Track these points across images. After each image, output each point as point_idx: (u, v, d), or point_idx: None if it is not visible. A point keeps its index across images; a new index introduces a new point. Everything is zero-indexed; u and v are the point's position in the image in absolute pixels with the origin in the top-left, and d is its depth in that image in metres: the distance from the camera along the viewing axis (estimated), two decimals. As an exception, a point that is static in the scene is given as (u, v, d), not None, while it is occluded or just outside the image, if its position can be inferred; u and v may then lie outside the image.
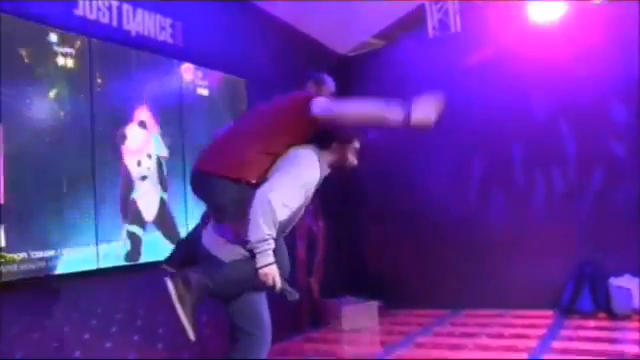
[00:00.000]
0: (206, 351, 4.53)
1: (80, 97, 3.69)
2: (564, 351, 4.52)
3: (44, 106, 3.49)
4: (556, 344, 4.74)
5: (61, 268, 3.49)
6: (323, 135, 2.97)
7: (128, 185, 4.07)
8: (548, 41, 6.09)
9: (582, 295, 5.75)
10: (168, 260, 3.04)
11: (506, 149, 6.37)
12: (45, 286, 3.48)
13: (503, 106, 6.33)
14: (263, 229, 2.64)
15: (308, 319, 5.75)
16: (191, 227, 3.15)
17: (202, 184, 2.89)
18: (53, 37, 3.54)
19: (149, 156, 4.28)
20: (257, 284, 2.74)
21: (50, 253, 3.43)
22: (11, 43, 3.31)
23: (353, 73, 7.03)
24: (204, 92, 4.80)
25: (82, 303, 3.71)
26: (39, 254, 3.37)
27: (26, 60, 3.39)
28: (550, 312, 5.84)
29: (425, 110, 2.70)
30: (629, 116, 5.79)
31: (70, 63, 3.62)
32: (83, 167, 3.69)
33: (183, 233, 4.35)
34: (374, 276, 6.67)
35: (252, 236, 2.66)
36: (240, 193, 2.75)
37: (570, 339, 4.89)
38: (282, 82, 4.32)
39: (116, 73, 3.97)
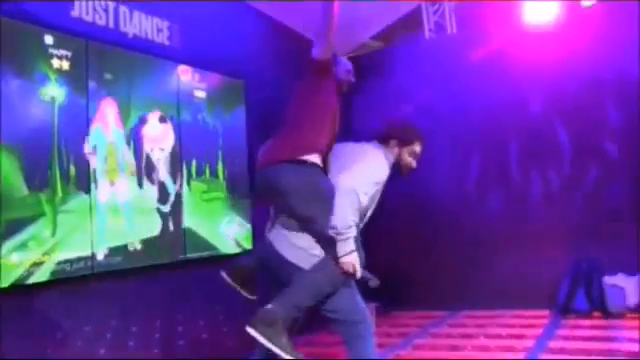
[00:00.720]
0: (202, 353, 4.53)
1: (76, 99, 3.69)
2: (560, 350, 4.52)
3: (38, 107, 3.48)
4: (552, 344, 4.74)
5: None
6: (383, 133, 3.12)
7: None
8: (544, 42, 6.12)
9: (577, 294, 5.77)
10: (231, 269, 3.11)
11: (503, 149, 6.39)
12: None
13: (499, 106, 6.36)
14: (349, 216, 2.76)
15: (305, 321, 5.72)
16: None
17: (259, 182, 2.98)
18: (49, 39, 3.54)
19: (162, 149, 4.35)
20: (341, 280, 2.84)
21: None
22: (6, 44, 3.30)
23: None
24: (201, 94, 4.80)
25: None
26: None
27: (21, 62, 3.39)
28: (547, 311, 5.85)
29: None
30: (624, 115, 5.83)
31: (66, 65, 3.62)
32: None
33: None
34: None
35: (339, 223, 2.75)
36: (288, 172, 2.81)
37: (566, 338, 4.89)
38: (280, 84, 4.32)
39: (113, 75, 3.97)
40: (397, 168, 3.13)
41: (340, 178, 2.84)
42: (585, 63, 5.94)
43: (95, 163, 3.79)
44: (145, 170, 4.18)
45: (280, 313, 2.69)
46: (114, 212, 3.90)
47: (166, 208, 4.36)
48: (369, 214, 3.07)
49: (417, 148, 3.16)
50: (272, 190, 2.90)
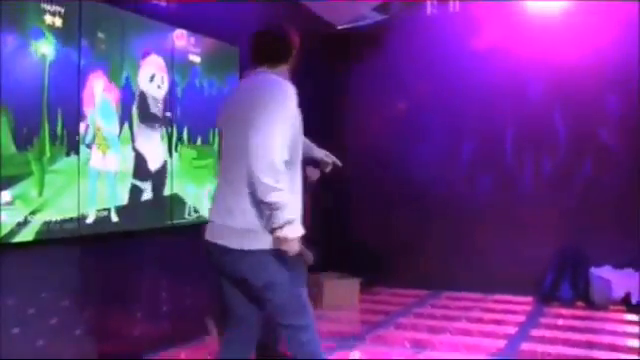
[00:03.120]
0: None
1: (68, 57, 3.58)
2: (541, 339, 4.55)
3: (29, 63, 3.36)
4: (534, 332, 4.78)
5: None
6: (282, 49, 2.69)
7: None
8: (547, 27, 6.06)
9: (563, 283, 5.79)
10: None
11: (498, 132, 6.34)
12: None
13: (498, 89, 6.30)
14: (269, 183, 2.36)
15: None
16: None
17: None
18: (41, -6, 3.41)
19: (162, 78, 4.33)
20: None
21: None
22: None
23: (350, 47, 6.92)
24: (196, 59, 4.69)
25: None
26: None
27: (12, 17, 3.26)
28: (530, 298, 5.88)
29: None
30: (622, 106, 5.79)
31: (58, 22, 3.49)
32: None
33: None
34: (357, 252, 6.62)
35: (263, 196, 2.38)
36: None
37: (548, 327, 4.93)
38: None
39: (106, 34, 3.85)
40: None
41: (250, 138, 2.39)
42: (589, 51, 5.88)
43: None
44: (134, 134, 4.09)
45: None
46: (101, 176, 3.82)
47: (152, 174, 4.28)
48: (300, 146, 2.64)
49: None
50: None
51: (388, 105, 6.85)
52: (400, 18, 6.78)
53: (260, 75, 2.62)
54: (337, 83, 6.90)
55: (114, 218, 3.91)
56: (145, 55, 4.20)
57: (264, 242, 2.46)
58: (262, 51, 2.67)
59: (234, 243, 2.51)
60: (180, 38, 4.50)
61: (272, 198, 2.36)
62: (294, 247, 2.43)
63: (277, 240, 2.41)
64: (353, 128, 6.95)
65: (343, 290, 5.82)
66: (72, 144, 3.60)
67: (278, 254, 2.47)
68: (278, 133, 2.40)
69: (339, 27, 6.93)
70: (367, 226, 6.79)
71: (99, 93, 3.81)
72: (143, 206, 4.18)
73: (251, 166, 2.37)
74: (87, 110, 3.72)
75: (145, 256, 4.24)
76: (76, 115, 3.63)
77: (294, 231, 2.41)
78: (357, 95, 6.91)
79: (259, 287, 2.54)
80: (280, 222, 2.37)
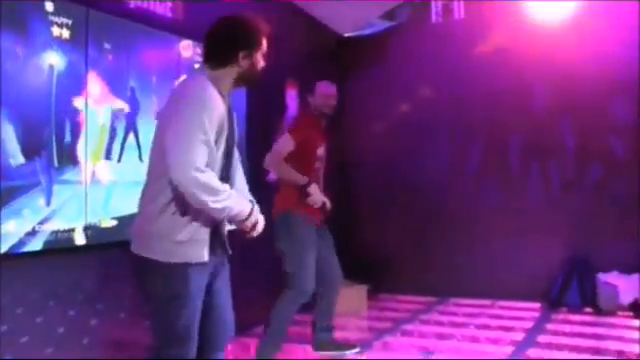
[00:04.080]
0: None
1: (75, 67, 3.62)
2: (548, 345, 4.54)
3: (37, 74, 3.40)
4: (541, 338, 4.77)
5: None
6: (225, 47, 2.38)
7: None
8: (552, 33, 6.05)
9: (570, 289, 5.78)
10: None
11: (504, 139, 6.32)
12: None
13: (504, 94, 6.27)
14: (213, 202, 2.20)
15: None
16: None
17: None
18: (49, 6, 3.45)
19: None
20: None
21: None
22: (5, 10, 3.22)
23: (355, 54, 6.94)
24: (202, 68, 4.72)
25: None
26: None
27: (20, 29, 3.31)
28: (537, 304, 5.88)
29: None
30: (630, 113, 5.77)
31: (66, 34, 3.54)
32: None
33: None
34: (363, 258, 6.63)
35: (216, 214, 2.25)
36: None
37: (555, 333, 4.92)
38: (281, 61, 4.25)
39: (113, 45, 3.89)
40: (244, 82, 2.48)
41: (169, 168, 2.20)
42: (594, 57, 5.86)
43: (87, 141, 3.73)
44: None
45: None
46: (106, 186, 3.86)
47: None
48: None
49: (265, 44, 2.47)
50: None
51: (393, 111, 6.87)
52: (406, 25, 6.81)
53: (188, 76, 2.50)
54: (342, 89, 6.92)
55: (121, 227, 3.94)
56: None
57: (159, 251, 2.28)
58: (205, 48, 2.42)
59: (134, 246, 2.37)
60: (186, 49, 4.54)
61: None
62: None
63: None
64: (357, 134, 6.97)
65: (351, 297, 5.82)
66: (79, 154, 3.64)
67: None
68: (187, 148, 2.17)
69: (345, 35, 6.96)
70: (373, 232, 6.80)
71: (103, 103, 3.85)
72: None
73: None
74: (92, 121, 3.76)
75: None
76: (83, 126, 3.68)
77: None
78: (362, 101, 6.93)
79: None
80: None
